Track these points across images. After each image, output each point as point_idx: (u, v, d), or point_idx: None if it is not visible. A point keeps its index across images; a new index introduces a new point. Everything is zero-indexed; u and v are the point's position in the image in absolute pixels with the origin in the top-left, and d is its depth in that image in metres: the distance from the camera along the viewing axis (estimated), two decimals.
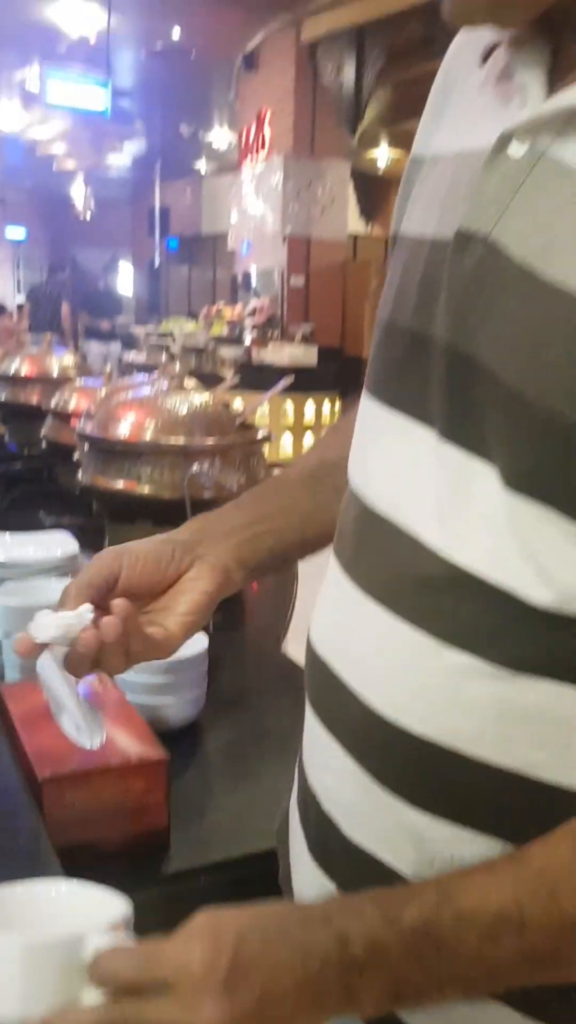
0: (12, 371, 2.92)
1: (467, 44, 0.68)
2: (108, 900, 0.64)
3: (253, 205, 9.92)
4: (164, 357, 2.13)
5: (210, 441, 1.68)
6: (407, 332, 0.64)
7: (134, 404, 1.75)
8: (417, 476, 0.61)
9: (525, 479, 0.54)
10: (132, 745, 0.99)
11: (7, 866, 0.83)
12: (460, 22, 0.61)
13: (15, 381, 2.91)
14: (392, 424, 0.65)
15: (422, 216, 0.66)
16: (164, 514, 1.71)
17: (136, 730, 1.02)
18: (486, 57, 0.64)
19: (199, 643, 1.23)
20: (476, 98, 0.64)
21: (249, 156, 9.98)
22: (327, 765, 0.69)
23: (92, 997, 0.56)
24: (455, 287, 0.59)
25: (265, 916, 0.56)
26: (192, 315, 11.51)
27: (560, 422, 0.52)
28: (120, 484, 1.73)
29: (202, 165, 13.26)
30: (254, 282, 10.05)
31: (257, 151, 9.81)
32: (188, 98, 11.38)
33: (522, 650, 0.56)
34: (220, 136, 11.82)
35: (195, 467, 1.64)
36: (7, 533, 1.55)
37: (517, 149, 0.57)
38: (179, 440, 1.66)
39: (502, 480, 0.55)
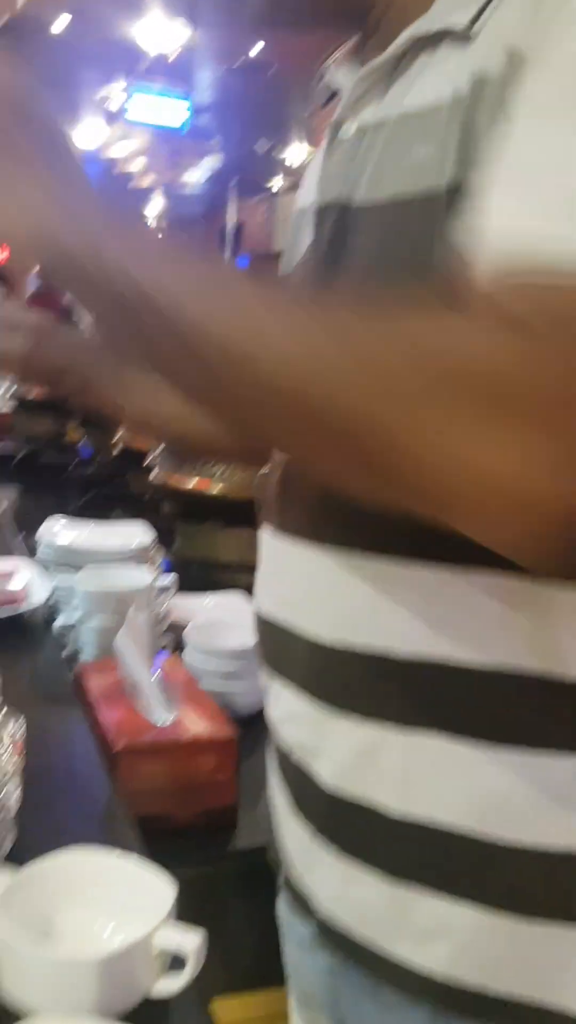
0: None
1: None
2: (159, 885, 0.66)
3: None
4: None
5: None
6: None
7: None
8: None
9: None
10: (203, 724, 1.02)
11: (85, 828, 0.86)
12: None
13: None
14: None
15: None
16: (234, 514, 1.75)
17: (207, 711, 1.05)
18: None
19: None
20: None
21: None
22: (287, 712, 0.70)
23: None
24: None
25: None
26: None
27: None
28: (192, 484, 1.77)
29: (276, 182, 13.39)
30: None
31: None
32: (265, 114, 11.50)
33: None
34: (296, 152, 11.93)
35: (265, 468, 1.66)
36: (89, 521, 1.60)
37: (347, 129, 0.64)
38: None
39: None
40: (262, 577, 0.75)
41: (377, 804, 0.60)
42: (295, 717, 0.67)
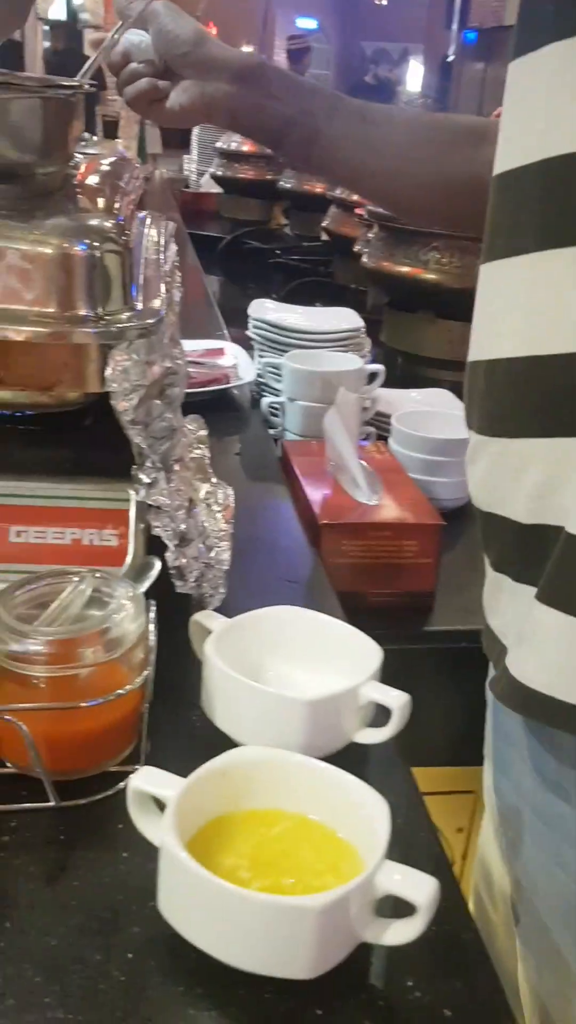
0: None
1: None
2: (366, 647, 0.66)
3: None
4: None
5: None
6: None
7: None
8: None
9: None
10: (409, 508, 1.02)
11: (290, 595, 0.89)
12: None
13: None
14: None
15: None
16: (448, 304, 1.68)
17: (413, 497, 1.05)
18: None
19: None
20: None
21: None
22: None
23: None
24: None
25: None
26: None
27: None
28: (405, 269, 1.70)
29: None
30: None
31: None
32: None
33: None
34: None
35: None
36: (297, 306, 1.57)
37: None
38: None
39: None
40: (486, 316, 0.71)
41: None
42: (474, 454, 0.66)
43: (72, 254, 0.58)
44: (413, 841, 0.58)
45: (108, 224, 0.61)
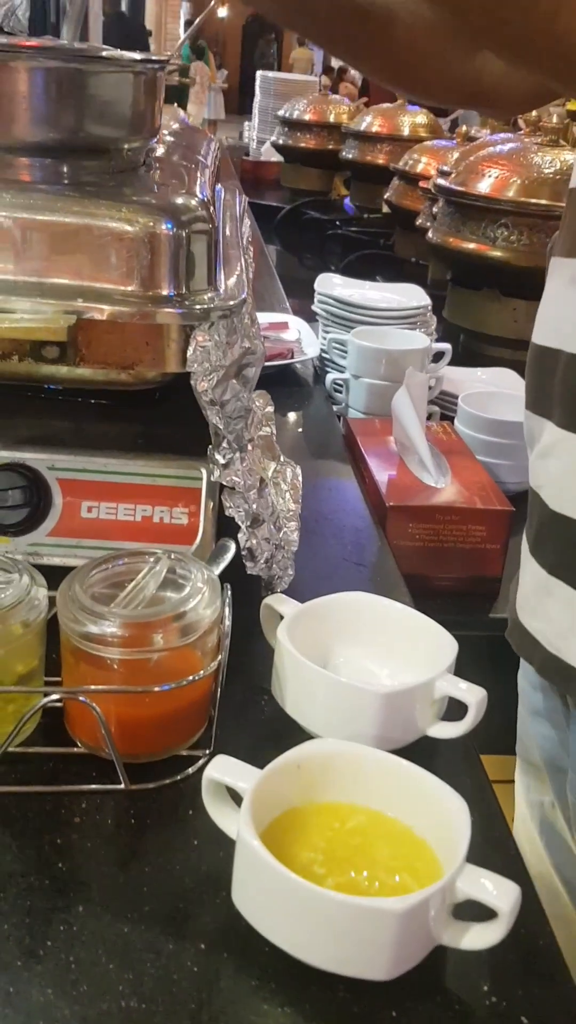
0: (362, 127, 2.84)
1: None
2: (441, 638, 0.65)
3: None
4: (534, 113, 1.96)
5: None
6: None
7: (499, 159, 1.65)
8: None
9: None
10: (477, 492, 1.00)
11: (356, 577, 0.88)
12: None
13: (363, 138, 2.84)
14: None
15: None
16: (514, 282, 1.64)
17: (481, 480, 1.03)
18: None
19: None
20: None
21: None
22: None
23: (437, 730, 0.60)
24: None
25: None
26: None
27: None
28: (472, 246, 1.66)
29: None
30: None
31: None
32: None
33: None
34: None
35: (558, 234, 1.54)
36: (365, 281, 1.55)
37: None
38: (543, 200, 1.56)
39: None
40: (549, 308, 0.70)
41: None
42: (551, 449, 0.63)
43: (158, 233, 0.57)
44: (487, 840, 0.57)
45: (193, 202, 0.60)
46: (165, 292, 0.58)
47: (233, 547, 0.69)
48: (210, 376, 0.62)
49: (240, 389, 0.67)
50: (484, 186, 1.63)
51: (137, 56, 0.58)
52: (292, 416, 1.28)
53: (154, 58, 0.59)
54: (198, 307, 0.59)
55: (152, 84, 0.60)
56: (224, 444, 0.66)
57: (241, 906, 0.48)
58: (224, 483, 0.67)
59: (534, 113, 1.80)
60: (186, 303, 0.59)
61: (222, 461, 0.66)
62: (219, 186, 0.86)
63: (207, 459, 0.68)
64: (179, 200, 0.60)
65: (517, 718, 0.87)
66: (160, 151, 0.69)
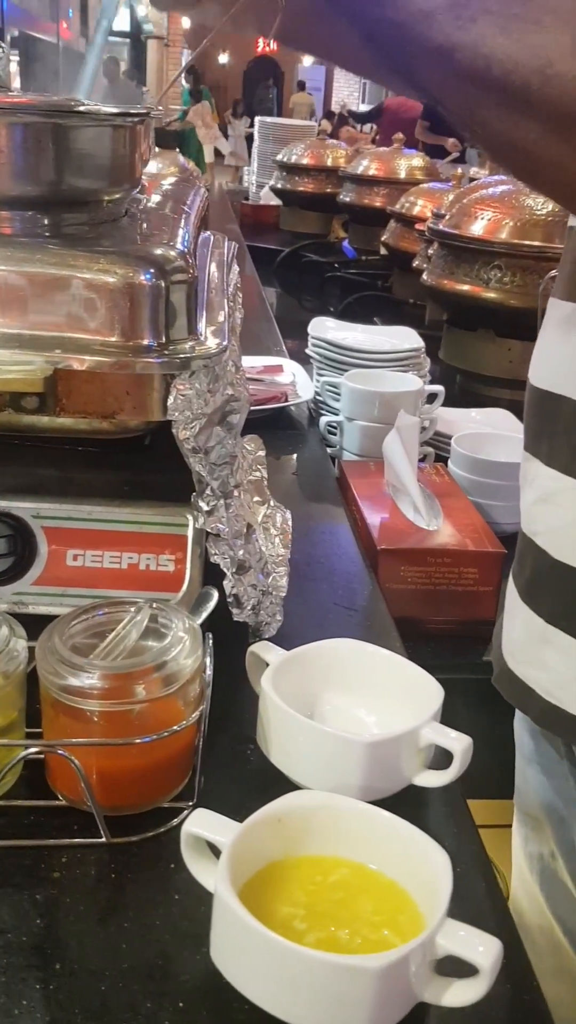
0: (359, 171, 2.88)
1: None
2: (427, 685, 0.65)
3: None
4: None
5: None
6: None
7: (492, 201, 1.67)
8: None
9: None
10: (469, 534, 1.00)
11: (346, 621, 0.87)
12: None
13: (361, 181, 2.88)
14: None
15: None
16: (509, 323, 1.65)
17: (474, 522, 1.03)
18: None
19: None
20: None
21: None
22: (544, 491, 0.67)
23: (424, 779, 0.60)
24: None
25: None
26: None
27: None
28: (466, 287, 1.68)
29: None
30: None
31: None
32: None
33: None
34: None
35: (552, 273, 1.55)
36: (357, 324, 1.56)
37: None
38: (535, 242, 1.58)
39: None
40: (546, 350, 0.69)
41: None
42: (553, 496, 0.63)
43: (137, 283, 0.57)
44: (472, 892, 0.56)
45: (173, 253, 0.60)
46: (145, 342, 0.59)
47: (216, 595, 0.69)
48: (192, 424, 0.62)
49: (225, 436, 0.67)
50: (477, 228, 1.64)
51: (115, 110, 0.59)
52: (286, 459, 1.28)
53: (133, 111, 0.60)
54: (178, 356, 0.59)
55: (132, 136, 0.61)
56: (208, 491, 0.66)
57: (219, 963, 0.47)
58: (209, 530, 0.67)
59: None
60: (166, 352, 0.59)
61: (206, 508, 0.66)
62: (208, 233, 0.87)
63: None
64: (159, 250, 0.60)
65: (515, 764, 0.85)
66: (144, 201, 0.70)
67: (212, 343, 0.61)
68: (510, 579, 0.77)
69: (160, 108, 0.65)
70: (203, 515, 0.66)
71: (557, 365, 0.66)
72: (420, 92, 0.53)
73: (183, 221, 0.70)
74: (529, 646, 0.69)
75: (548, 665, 0.66)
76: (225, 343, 0.61)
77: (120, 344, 0.58)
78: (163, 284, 0.58)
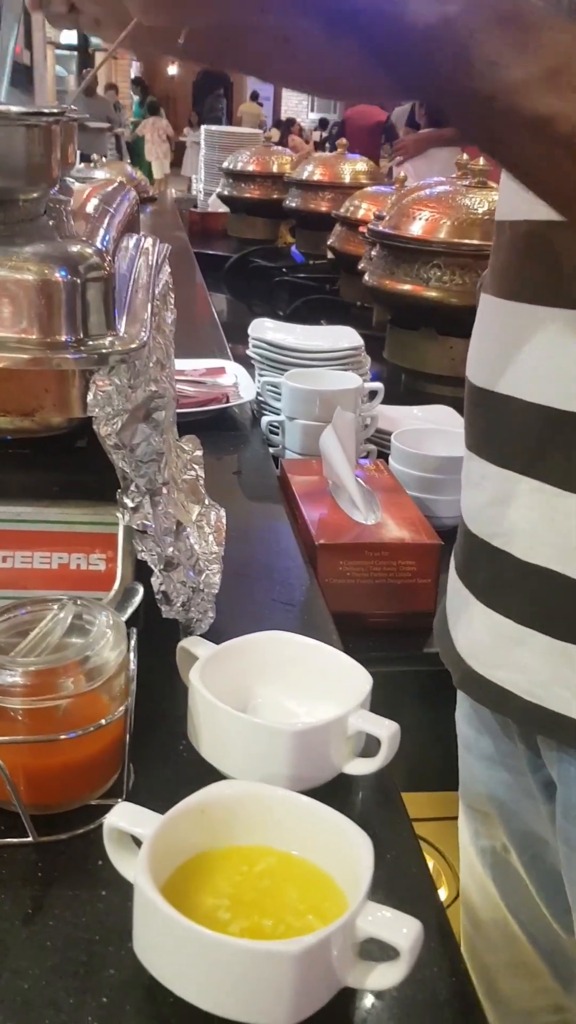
0: (304, 176, 2.89)
1: None
2: (356, 674, 0.65)
3: None
4: (465, 155, 2.00)
5: None
6: None
7: (430, 202, 1.69)
8: None
9: None
10: (407, 528, 1.00)
11: (283, 618, 0.87)
12: None
13: (306, 187, 2.89)
14: None
15: None
16: (450, 321, 1.67)
17: (412, 516, 1.03)
18: None
19: None
20: None
21: None
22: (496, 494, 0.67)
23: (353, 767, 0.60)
24: None
25: None
26: None
27: None
28: (407, 287, 1.69)
29: None
30: None
31: None
32: None
33: None
34: None
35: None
36: (297, 325, 1.57)
37: None
38: (474, 240, 1.59)
39: None
40: (481, 346, 0.69)
41: None
42: (512, 498, 0.63)
43: (52, 280, 0.57)
44: (403, 878, 0.56)
45: (89, 250, 0.60)
46: (62, 338, 0.58)
47: (141, 590, 0.69)
48: (113, 420, 0.62)
49: (151, 432, 0.67)
50: (416, 228, 1.66)
51: (26, 109, 0.59)
52: (229, 459, 1.28)
53: (46, 111, 0.60)
54: (96, 352, 0.59)
55: (47, 136, 0.61)
56: (133, 488, 0.66)
57: (142, 956, 0.47)
58: (135, 527, 0.67)
59: (464, 156, 1.84)
60: (83, 348, 0.59)
61: (131, 505, 0.66)
62: (139, 235, 0.87)
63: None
64: (74, 248, 0.60)
65: (458, 761, 0.85)
66: (66, 202, 0.70)
67: (131, 339, 0.61)
68: (454, 579, 0.76)
69: (75, 108, 0.65)
70: (128, 512, 0.66)
71: (496, 362, 0.65)
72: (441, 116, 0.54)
73: (105, 221, 0.70)
74: (498, 649, 0.67)
75: (525, 666, 0.65)
76: (144, 339, 0.61)
77: (37, 341, 0.58)
78: (78, 281, 0.58)
